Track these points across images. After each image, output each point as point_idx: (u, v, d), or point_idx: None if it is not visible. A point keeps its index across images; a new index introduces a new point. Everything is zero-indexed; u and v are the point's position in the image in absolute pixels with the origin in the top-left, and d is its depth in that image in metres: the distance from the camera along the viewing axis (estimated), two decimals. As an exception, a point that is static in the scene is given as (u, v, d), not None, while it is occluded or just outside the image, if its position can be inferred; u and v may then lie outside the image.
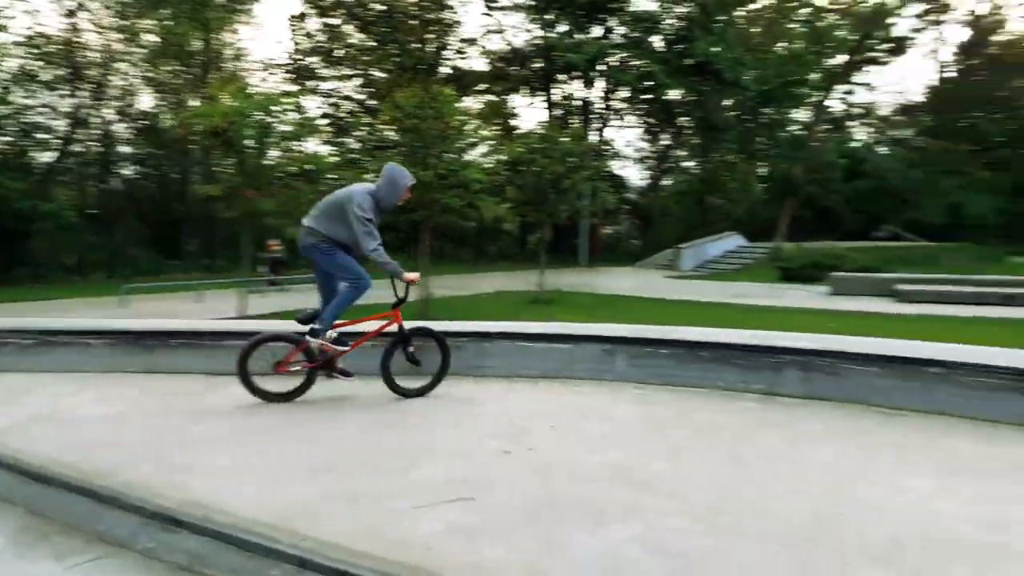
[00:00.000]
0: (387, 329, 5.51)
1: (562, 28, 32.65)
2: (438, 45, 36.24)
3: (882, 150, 43.30)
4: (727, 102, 34.50)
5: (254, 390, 5.25)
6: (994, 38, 40.97)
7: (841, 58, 39.73)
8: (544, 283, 15.91)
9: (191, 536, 3.20)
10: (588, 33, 32.61)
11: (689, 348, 5.77)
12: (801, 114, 40.25)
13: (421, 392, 5.43)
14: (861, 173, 36.57)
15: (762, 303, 14.33)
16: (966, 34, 42.03)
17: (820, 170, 35.95)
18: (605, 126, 36.29)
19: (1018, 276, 17.92)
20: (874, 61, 45.17)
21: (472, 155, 15.54)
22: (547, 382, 5.85)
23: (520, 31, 35.63)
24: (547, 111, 35.52)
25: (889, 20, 39.88)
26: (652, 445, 4.23)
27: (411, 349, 5.44)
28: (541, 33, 32.91)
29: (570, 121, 34.61)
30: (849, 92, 47.12)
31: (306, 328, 5.25)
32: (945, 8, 42.21)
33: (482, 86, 36.44)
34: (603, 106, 35.54)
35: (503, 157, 18.22)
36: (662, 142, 39.56)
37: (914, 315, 12.06)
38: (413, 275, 5.37)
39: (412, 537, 2.97)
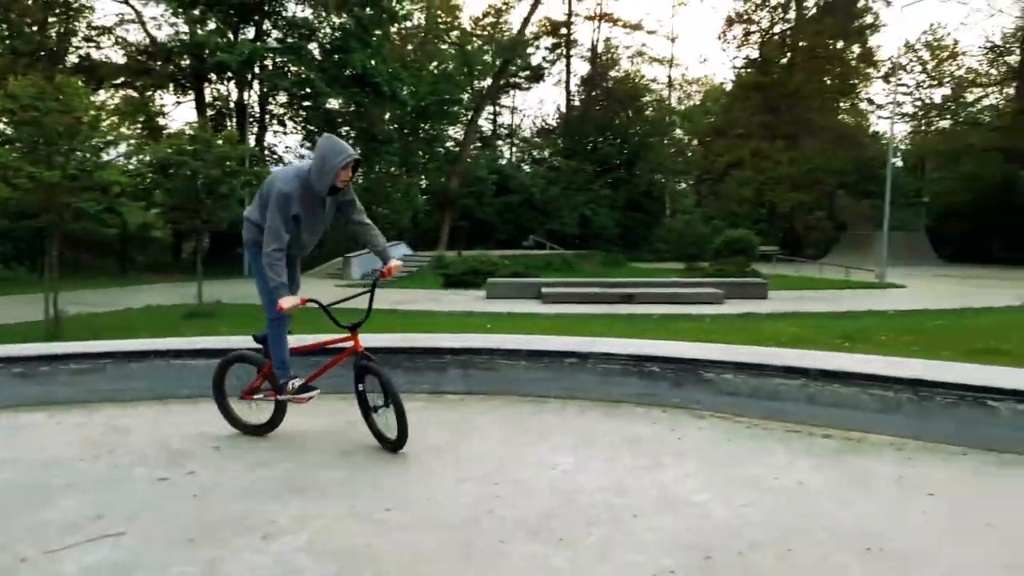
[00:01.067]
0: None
1: (211, 26, 30.67)
2: (62, 29, 31.68)
3: (526, 168, 48.12)
4: (387, 115, 35.51)
5: (233, 420, 4.60)
6: (610, 74, 47.97)
7: (488, 81, 43.41)
8: (203, 295, 14.83)
9: None
10: (241, 34, 31.13)
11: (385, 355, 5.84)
12: (456, 131, 43.15)
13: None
14: (509, 188, 40.20)
15: (426, 308, 15.04)
16: (587, 68, 48.56)
17: (474, 184, 38.81)
18: (264, 131, 34.99)
19: (635, 278, 21.24)
20: (517, 86, 50.18)
21: (111, 155, 13.90)
22: (209, 401, 5.47)
23: (162, 24, 32.58)
24: (197, 111, 33.09)
25: (527, 50, 44.59)
26: (322, 454, 4.23)
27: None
28: (187, 29, 30.47)
29: (225, 123, 32.72)
30: (496, 113, 51.80)
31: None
32: (572, 43, 48.45)
33: (120, 80, 32.68)
34: (260, 110, 34.22)
35: (147, 158, 16.60)
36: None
37: (557, 314, 13.62)
38: (287, 301, 4.08)
39: (49, 587, 2.61)
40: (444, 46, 42.51)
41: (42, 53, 28.97)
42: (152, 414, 5.10)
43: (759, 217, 42.67)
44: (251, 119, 33.21)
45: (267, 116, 34.93)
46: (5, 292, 19.16)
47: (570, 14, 47.39)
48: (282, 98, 33.20)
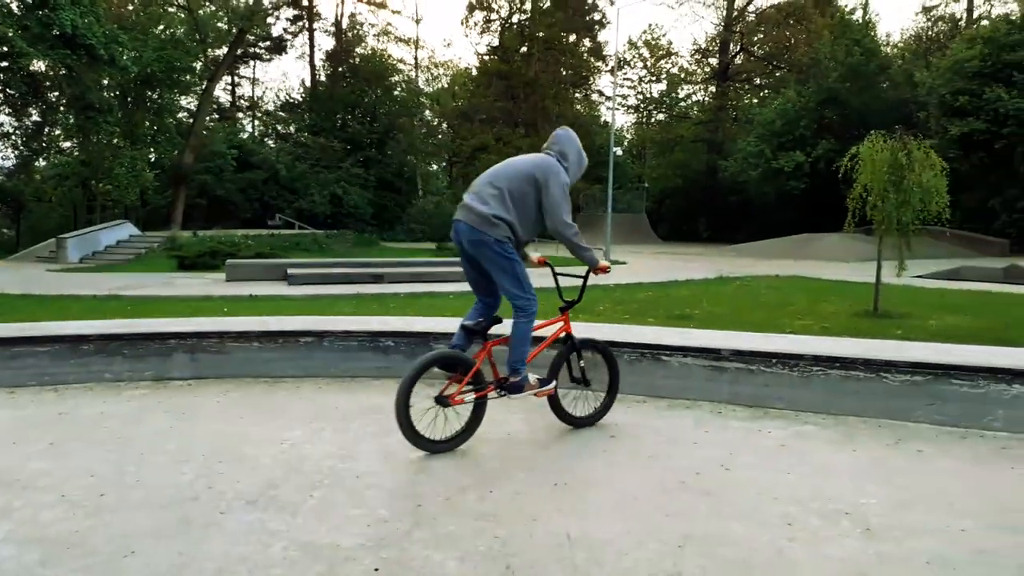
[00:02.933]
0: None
1: None
2: None
3: (271, 143, 46.00)
4: (105, 81, 31.90)
5: (418, 439, 3.80)
6: (356, 50, 47.24)
7: (223, 50, 40.75)
8: None
9: None
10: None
11: (70, 343, 5.44)
12: (188, 102, 39.99)
13: (591, 420, 4.40)
14: (251, 164, 38.21)
15: (156, 293, 13.98)
16: (332, 43, 47.40)
17: (211, 159, 36.35)
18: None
19: (385, 258, 21.41)
20: (257, 57, 47.67)
21: None
22: None
23: None
24: None
25: (266, 20, 42.44)
26: (29, 446, 3.95)
27: (582, 364, 4.45)
28: None
29: None
30: (236, 84, 48.82)
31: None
32: (315, 16, 46.99)
33: None
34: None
35: None
36: (31, 118, 34.42)
37: (304, 296, 13.38)
38: (607, 263, 4.38)
39: None
40: (172, 9, 39.09)
41: None
42: None
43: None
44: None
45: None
46: None
47: (313, -14, 46.00)
48: (-29, 55, 28.48)
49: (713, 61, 49.19)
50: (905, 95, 33.90)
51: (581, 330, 5.04)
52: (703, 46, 49.87)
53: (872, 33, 37.14)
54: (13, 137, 34.69)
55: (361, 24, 48.19)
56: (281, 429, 4.29)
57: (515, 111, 47.38)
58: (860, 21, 37.67)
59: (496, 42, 49.05)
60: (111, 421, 4.46)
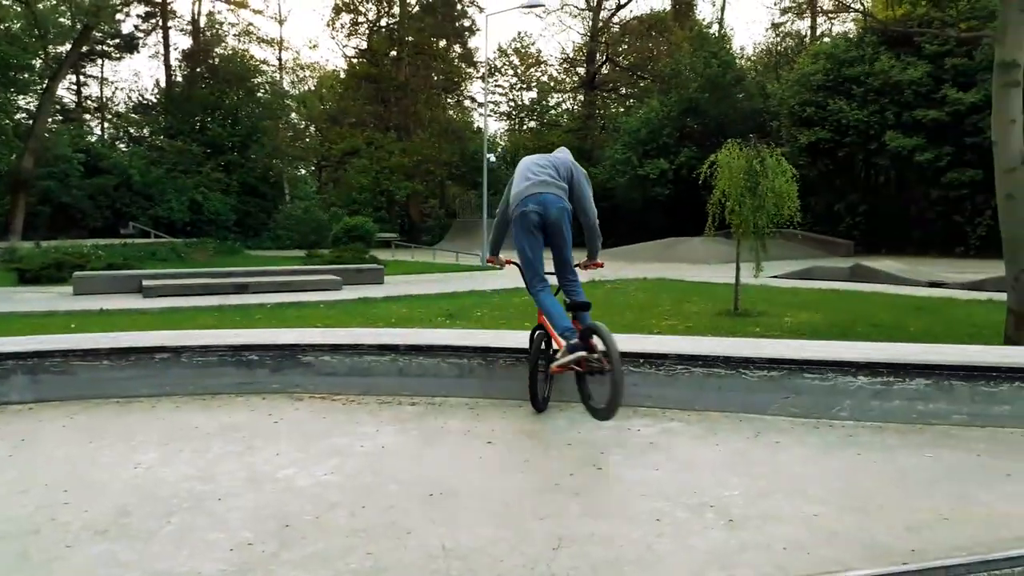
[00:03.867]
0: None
1: None
2: None
3: (122, 147, 43.13)
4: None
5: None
6: (216, 50, 45.15)
7: (67, 47, 37.87)
8: None
9: None
10: None
11: None
12: (28, 102, 36.84)
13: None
14: (101, 169, 35.70)
15: (-6, 310, 12.76)
16: (189, 43, 45.11)
17: (55, 163, 33.64)
18: None
19: (251, 267, 20.55)
20: (106, 55, 44.64)
21: None
22: None
23: None
24: None
25: (114, 16, 39.80)
26: None
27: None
28: None
29: None
30: (81, 84, 45.47)
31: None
32: (169, 14, 44.56)
33: None
34: None
35: None
36: None
37: (161, 309, 12.60)
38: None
39: None
40: (7, 2, 35.92)
41: None
42: None
43: (379, 205, 44.20)
44: None
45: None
46: None
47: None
48: None
49: (581, 70, 50.58)
50: (759, 105, 36.22)
51: (454, 337, 5.03)
52: (571, 55, 51.20)
53: (728, 46, 39.47)
54: None
55: (220, 23, 46.17)
56: (134, 452, 4.00)
57: (386, 115, 46.85)
58: (716, 35, 39.94)
59: (364, 45, 48.31)
60: (-66, 454, 4.00)
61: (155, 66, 57.91)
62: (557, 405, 4.96)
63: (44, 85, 34.69)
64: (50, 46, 37.21)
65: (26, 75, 33.32)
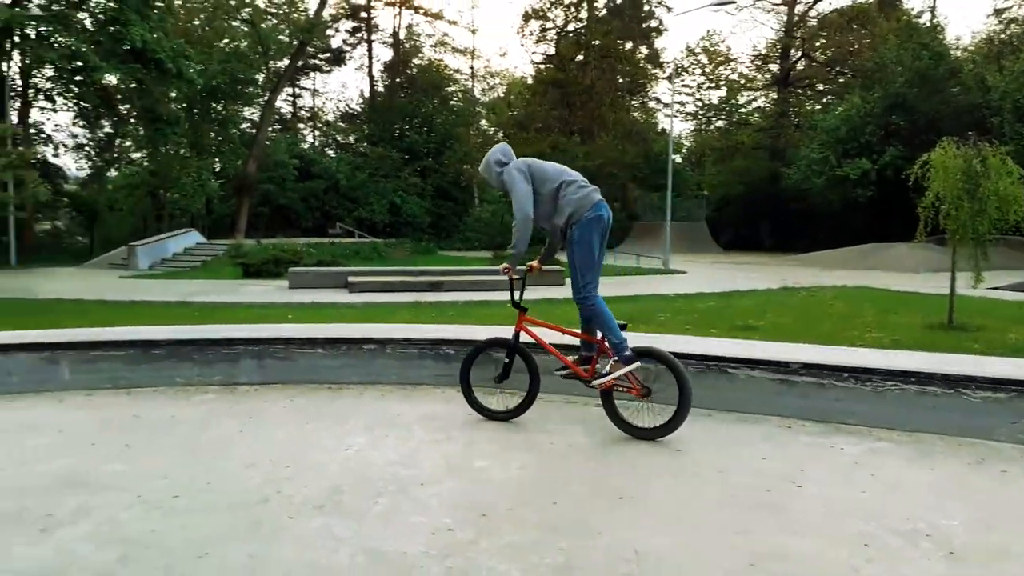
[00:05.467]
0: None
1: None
2: None
3: (331, 153, 46.95)
4: (173, 93, 33.07)
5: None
6: (414, 61, 47.96)
7: (285, 62, 41.83)
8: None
9: None
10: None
11: (142, 348, 5.61)
12: (252, 113, 41.13)
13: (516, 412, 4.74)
14: (312, 174, 39.06)
15: (222, 300, 14.37)
16: (390, 55, 48.24)
17: (274, 169, 37.29)
18: (29, 107, 31.28)
19: (443, 266, 21.61)
20: (318, 68, 48.79)
21: None
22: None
23: None
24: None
25: (325, 32, 43.43)
26: (106, 448, 4.08)
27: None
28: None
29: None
30: (297, 95, 50.02)
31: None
32: (373, 28, 47.88)
33: None
34: (23, 84, 30.51)
35: None
36: (104, 130, 35.93)
37: (364, 303, 13.58)
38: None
39: None
40: (235, 23, 40.34)
41: None
42: None
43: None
44: (12, 94, 29.54)
45: (31, 91, 31.22)
46: None
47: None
48: (49, 71, 29.77)
49: (773, 67, 48.24)
50: (977, 100, 32.61)
51: (643, 340, 4.97)
52: (763, 52, 48.94)
53: (940, 37, 35.92)
54: (87, 148, 36.23)
55: (418, 35, 48.92)
56: (345, 435, 4.34)
57: (571, 119, 47.30)
58: (928, 24, 36.48)
59: (552, 51, 49.11)
60: (182, 425, 4.58)
61: (360, 77, 62.46)
62: (750, 417, 4.77)
63: (266, 97, 38.52)
64: (271, 62, 41.27)
65: (251, 88, 37.20)
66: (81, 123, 34.96)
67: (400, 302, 13.95)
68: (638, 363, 4.32)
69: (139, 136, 34.37)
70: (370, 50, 48.26)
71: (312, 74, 49.43)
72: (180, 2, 34.36)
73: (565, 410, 4.92)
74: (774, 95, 47.97)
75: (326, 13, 42.03)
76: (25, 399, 5.18)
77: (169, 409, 4.93)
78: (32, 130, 31.68)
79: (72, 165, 36.55)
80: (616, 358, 4.34)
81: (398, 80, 46.34)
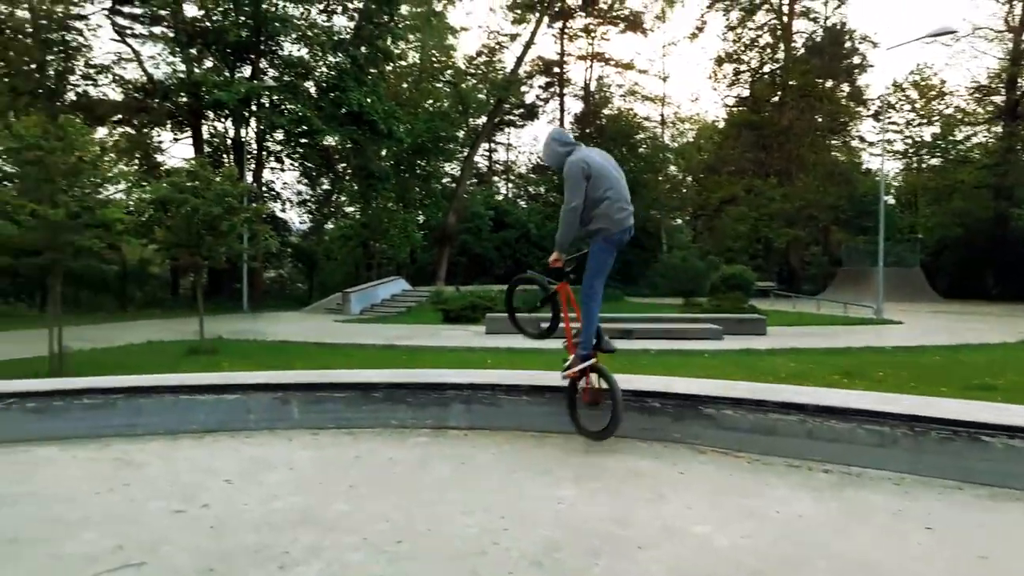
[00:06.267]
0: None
1: (208, 64, 31.24)
2: (61, 68, 32.07)
3: (522, 203, 48.57)
4: (384, 152, 35.98)
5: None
6: (603, 111, 48.72)
7: (483, 119, 44.08)
8: (204, 331, 14.90)
9: None
10: (238, 72, 31.64)
11: (362, 390, 5.94)
12: (452, 167, 43.66)
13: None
14: (506, 223, 40.53)
15: (426, 344, 15.12)
16: (579, 106, 49.33)
17: (471, 220, 39.15)
18: (262, 167, 35.32)
19: (633, 314, 21.40)
20: (512, 124, 50.95)
21: (110, 192, 14.08)
22: (214, 436, 5.56)
23: (160, 62, 33.10)
24: (195, 148, 33.44)
25: (520, 88, 45.38)
26: (333, 487, 4.30)
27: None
28: (184, 67, 30.98)
29: (222, 160, 33.06)
30: (492, 150, 52.46)
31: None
32: (565, 82, 49.30)
33: (118, 117, 33.06)
34: (257, 147, 34.57)
35: (146, 195, 16.79)
36: (323, 186, 39.75)
37: (557, 349, 13.68)
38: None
39: (72, 618, 2.68)
40: (439, 84, 43.28)
41: (40, 91, 29.34)
42: (162, 448, 5.17)
43: (755, 253, 43.03)
44: (248, 156, 33.53)
45: (264, 153, 35.28)
46: (7, 328, 19.23)
47: (563, 54, 48.33)
48: (279, 135, 33.56)
49: (997, 99, 43.62)
50: None
51: (865, 398, 4.50)
52: (985, 83, 44.42)
53: None
54: (308, 204, 40.13)
55: (608, 86, 49.73)
56: (554, 487, 4.28)
57: (767, 160, 45.61)
58: None
59: (746, 93, 47.84)
60: (399, 467, 4.75)
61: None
62: (1010, 493, 4.13)
63: (465, 153, 40.75)
64: (470, 119, 43.68)
65: (452, 145, 39.55)
66: (304, 181, 38.87)
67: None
68: (593, 360, 5.16)
69: (353, 191, 37.58)
70: (562, 103, 49.75)
71: (507, 129, 51.69)
72: (391, 68, 37.47)
73: (787, 476, 4.54)
74: (998, 129, 43.26)
75: (522, 71, 43.92)
76: (261, 436, 5.63)
77: (387, 451, 5.15)
78: (264, 188, 35.62)
79: (296, 219, 40.63)
80: (575, 355, 5.23)
81: (588, 131, 47.22)
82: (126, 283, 31.73)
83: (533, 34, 42.43)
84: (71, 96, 32.31)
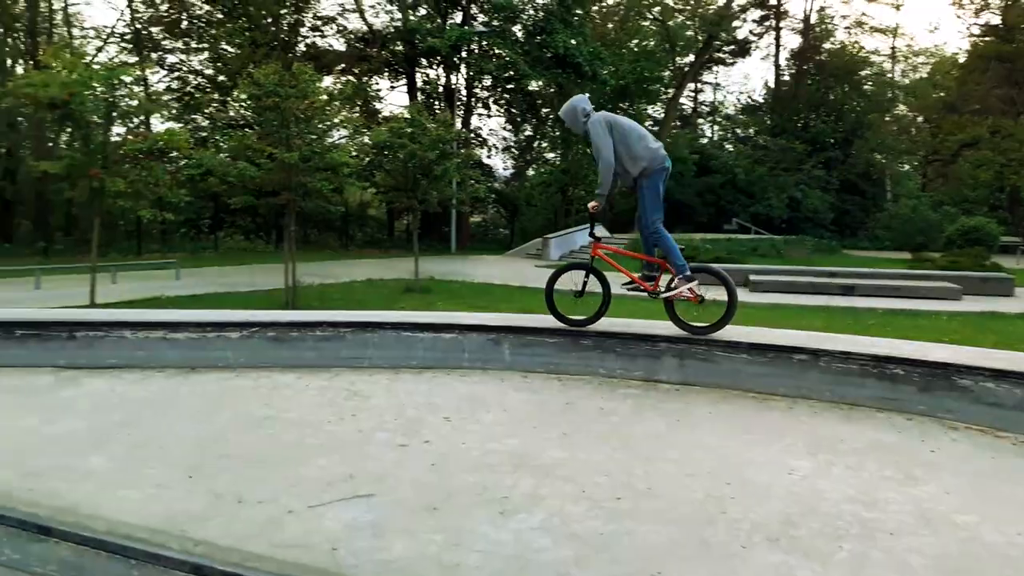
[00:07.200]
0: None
1: (422, 12, 32.32)
2: (293, 21, 34.72)
3: (729, 147, 46.11)
4: (587, 95, 35.46)
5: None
6: (824, 46, 44.60)
7: (690, 58, 42.03)
8: (418, 271, 15.72)
9: (63, 545, 2.90)
10: (449, 18, 32.43)
11: (571, 336, 5.88)
12: (655, 110, 42.23)
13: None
14: (710, 169, 38.73)
15: (623, 293, 14.85)
16: (797, 40, 45.46)
17: (673, 164, 37.79)
18: (470, 114, 36.27)
19: (855, 268, 19.70)
20: (720, 62, 48.11)
21: (336, 138, 15.05)
22: (432, 372, 5.77)
23: (379, 12, 34.85)
24: (409, 95, 35.00)
25: (732, 24, 42.60)
26: (546, 432, 4.28)
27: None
28: (400, 16, 32.31)
29: (434, 107, 34.34)
30: (698, 91, 50.03)
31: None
32: (781, 15, 45.59)
33: (341, 66, 35.35)
34: (467, 93, 35.46)
35: (367, 140, 17.78)
36: (526, 132, 40.15)
37: (768, 304, 12.90)
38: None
39: (313, 538, 2.85)
40: (645, 23, 41.70)
41: (275, 43, 31.95)
42: (386, 381, 5.45)
43: (997, 203, 37.88)
44: (458, 102, 34.52)
45: (472, 99, 36.14)
46: (249, 261, 21.57)
47: (781, -17, 44.55)
48: (487, 81, 34.15)
49: None
50: None
51: None
52: None
53: None
54: (512, 150, 40.79)
55: (831, 18, 45.29)
56: (783, 455, 3.95)
57: (1018, 98, 39.59)
58: None
59: (997, 19, 41.54)
60: (611, 417, 4.63)
61: (764, 68, 60.23)
62: None
63: (670, 94, 39.21)
64: (677, 58, 41.88)
65: (656, 86, 38.18)
66: (508, 127, 39.48)
67: (807, 305, 12.95)
68: (697, 280, 5.51)
69: (554, 137, 37.63)
70: (777, 38, 46.07)
71: (715, 68, 48.94)
72: (596, 8, 36.68)
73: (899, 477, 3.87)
74: None
75: (735, 4, 41.25)
76: (474, 375, 5.76)
77: (596, 400, 5.06)
78: (472, 134, 36.64)
79: (500, 165, 41.54)
80: (680, 276, 5.51)
81: (806, 67, 43.55)
82: (348, 223, 34.29)
83: (750, -37, 39.54)
84: (301, 47, 34.92)
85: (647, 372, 5.62)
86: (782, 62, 45.91)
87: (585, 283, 5.80)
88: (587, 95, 6.06)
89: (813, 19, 45.08)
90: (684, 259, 5.58)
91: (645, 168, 5.47)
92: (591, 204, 5.73)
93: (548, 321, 6.11)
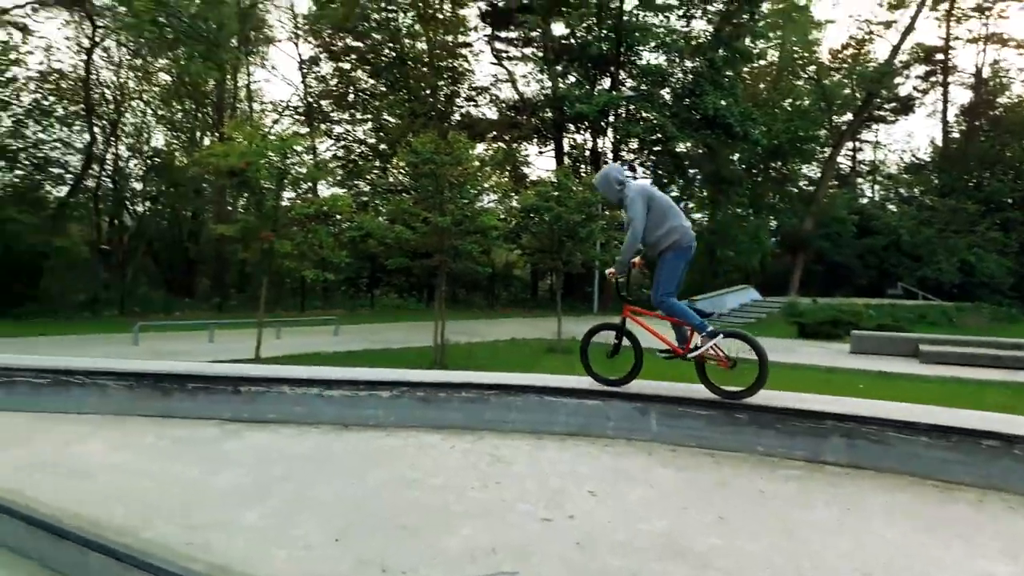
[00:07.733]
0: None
1: (572, 79, 33.14)
2: (449, 92, 36.65)
3: (891, 207, 43.43)
4: (736, 156, 34.75)
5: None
6: (998, 100, 41.43)
7: (848, 116, 40.29)
8: (560, 331, 15.71)
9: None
10: (598, 85, 33.01)
11: (724, 409, 5.56)
12: (810, 169, 40.63)
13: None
14: (871, 230, 36.56)
15: (782, 359, 14.07)
16: (968, 96, 42.51)
17: (830, 225, 36.02)
18: (616, 177, 36.38)
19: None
20: (881, 120, 45.78)
21: (485, 201, 15.54)
22: (575, 440, 5.62)
23: (530, 81, 36.21)
24: (556, 160, 35.73)
25: (894, 80, 40.53)
26: (699, 515, 4.01)
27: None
28: (550, 84, 33.36)
29: (580, 170, 34.80)
30: (857, 149, 47.73)
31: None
32: (949, 70, 42.87)
33: (493, 134, 36.77)
34: (613, 156, 35.74)
35: (515, 204, 18.22)
36: (672, 193, 39.77)
37: (941, 377, 11.79)
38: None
39: (457, 614, 2.76)
40: (799, 82, 40.55)
41: (432, 113, 33.77)
42: (528, 447, 5.36)
43: None
44: (604, 164, 34.78)
45: (619, 162, 36.35)
46: (401, 319, 22.48)
47: (948, 38, 41.92)
48: (634, 144, 34.33)
49: None
50: None
51: None
52: None
53: None
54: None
55: (1006, 71, 42.07)
56: (975, 557, 3.47)
57: None
58: None
59: None
60: (772, 501, 4.28)
61: (930, 125, 56.76)
62: None
63: (827, 153, 37.66)
64: (833, 117, 40.29)
65: (811, 145, 36.81)
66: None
67: (985, 380, 11.70)
68: (720, 336, 5.43)
69: (702, 197, 36.99)
70: (945, 93, 43.35)
71: (875, 126, 46.63)
72: (748, 68, 36.14)
73: None
74: None
75: (897, 60, 39.34)
76: (619, 444, 5.55)
77: (755, 481, 4.70)
78: (617, 196, 36.70)
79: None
80: (702, 334, 5.43)
81: (978, 123, 40.55)
82: (494, 283, 35.10)
83: (914, 19, 37.68)
84: (456, 116, 36.77)
85: (810, 452, 5.18)
86: (950, 118, 43.05)
87: (617, 344, 5.86)
88: (621, 164, 6.17)
89: (986, 72, 42.12)
90: (701, 317, 5.58)
91: (675, 242, 5.54)
92: (609, 271, 5.87)
93: (698, 391, 5.83)
